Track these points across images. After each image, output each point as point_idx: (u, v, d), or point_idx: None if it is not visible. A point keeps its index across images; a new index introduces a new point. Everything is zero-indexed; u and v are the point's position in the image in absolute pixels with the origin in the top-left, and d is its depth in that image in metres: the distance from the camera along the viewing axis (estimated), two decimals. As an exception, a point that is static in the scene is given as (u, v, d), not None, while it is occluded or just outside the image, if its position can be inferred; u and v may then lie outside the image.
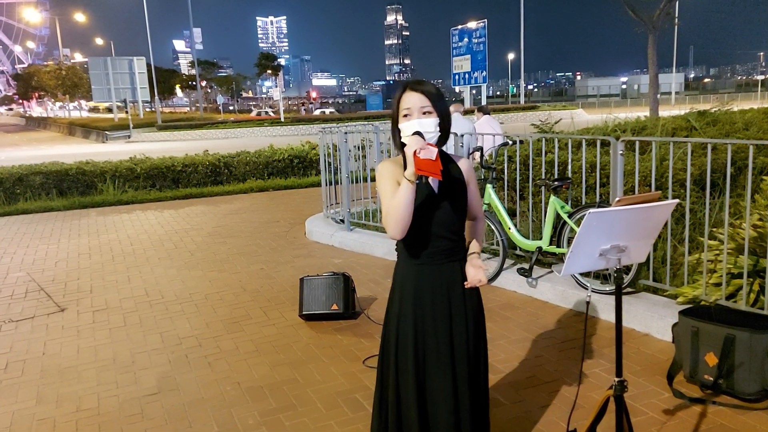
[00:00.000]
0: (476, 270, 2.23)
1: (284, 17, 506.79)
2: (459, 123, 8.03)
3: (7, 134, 46.07)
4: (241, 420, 3.33)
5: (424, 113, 2.14)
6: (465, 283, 2.22)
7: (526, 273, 5.07)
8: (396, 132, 2.22)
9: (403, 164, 2.16)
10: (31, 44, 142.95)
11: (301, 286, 4.80)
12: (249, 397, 3.60)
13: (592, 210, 1.86)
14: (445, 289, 2.23)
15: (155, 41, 46.67)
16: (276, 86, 47.78)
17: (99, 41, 73.19)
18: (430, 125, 2.12)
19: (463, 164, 2.29)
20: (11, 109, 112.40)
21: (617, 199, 1.98)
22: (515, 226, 5.34)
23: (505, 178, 5.79)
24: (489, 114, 9.62)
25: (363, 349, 4.21)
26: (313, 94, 74.92)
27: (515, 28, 48.40)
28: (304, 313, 4.75)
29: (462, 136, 6.15)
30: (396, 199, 2.08)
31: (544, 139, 5.50)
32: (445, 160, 2.24)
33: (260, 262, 6.61)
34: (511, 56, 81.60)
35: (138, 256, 7.09)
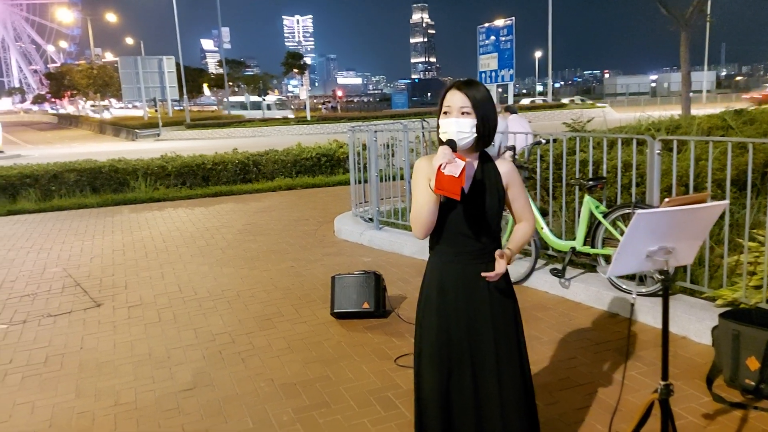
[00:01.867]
0: (496, 263, 2.18)
1: (310, 16, 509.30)
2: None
3: (41, 132, 47.10)
4: (276, 416, 3.36)
5: (463, 113, 2.14)
6: (482, 273, 2.19)
7: (559, 273, 5.02)
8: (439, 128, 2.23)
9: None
10: (63, 44, 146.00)
11: (333, 285, 4.82)
12: (283, 393, 3.62)
13: (640, 211, 1.83)
14: (470, 290, 2.24)
15: (183, 41, 47.23)
16: (302, 85, 48.03)
17: (129, 41, 74.35)
18: (465, 126, 2.13)
19: (504, 167, 2.27)
20: (30, 110, 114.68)
21: (666, 199, 1.95)
22: (547, 225, 5.29)
23: (538, 178, 5.74)
24: (516, 113, 9.54)
25: (394, 348, 4.21)
26: (339, 93, 75.11)
27: (542, 25, 47.95)
28: (335, 311, 4.77)
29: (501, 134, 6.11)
30: (419, 204, 2.16)
31: (578, 138, 5.43)
32: (484, 162, 2.25)
33: (290, 260, 6.65)
34: (538, 54, 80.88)
35: (171, 252, 7.19)
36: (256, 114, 43.89)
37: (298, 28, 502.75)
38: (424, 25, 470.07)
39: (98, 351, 4.38)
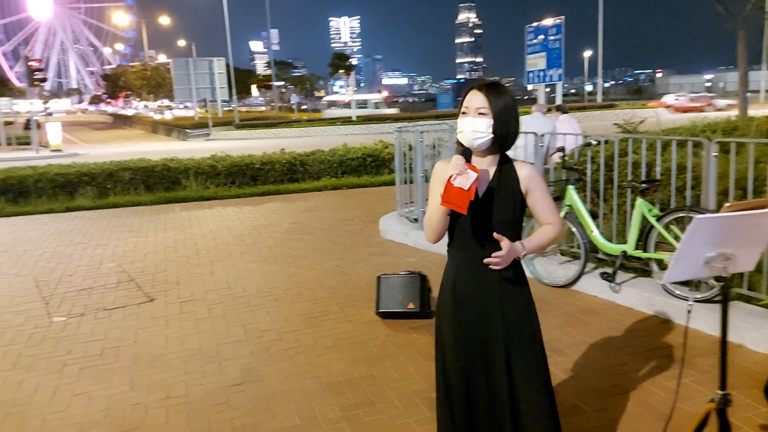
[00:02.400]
0: (503, 249, 2.11)
1: (358, 17, 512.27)
2: (539, 122, 7.87)
3: (97, 131, 48.83)
4: (322, 414, 3.40)
5: (480, 114, 2.15)
6: (485, 260, 2.13)
7: (609, 278, 4.91)
8: None
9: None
10: (119, 46, 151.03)
11: (378, 285, 4.84)
12: (328, 391, 3.66)
13: (699, 216, 1.78)
14: (482, 295, 2.22)
15: (233, 42, 48.19)
16: (348, 85, 48.41)
17: (181, 43, 76.34)
18: (480, 126, 2.13)
19: (524, 171, 2.22)
20: (87, 110, 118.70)
21: (726, 204, 1.89)
22: (597, 228, 5.18)
23: (588, 180, 5.63)
24: (567, 113, 9.37)
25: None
26: (384, 93, 75.29)
27: (592, 23, 46.95)
28: (380, 311, 4.79)
29: (543, 135, 6.02)
30: (430, 210, 2.21)
31: (630, 140, 5.31)
32: (502, 165, 2.22)
33: (336, 259, 6.71)
34: (587, 53, 79.20)
35: (220, 250, 7.35)
36: (359, 112, 44.63)
37: (345, 29, 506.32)
38: (470, 24, 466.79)
39: (151, 345, 4.52)
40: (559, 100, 26.53)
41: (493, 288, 2.21)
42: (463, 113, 2.18)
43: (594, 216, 5.29)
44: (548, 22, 27.75)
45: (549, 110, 9.40)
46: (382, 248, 7.18)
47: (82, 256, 7.28)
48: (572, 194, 5.21)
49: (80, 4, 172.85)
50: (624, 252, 4.89)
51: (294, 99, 69.90)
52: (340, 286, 5.76)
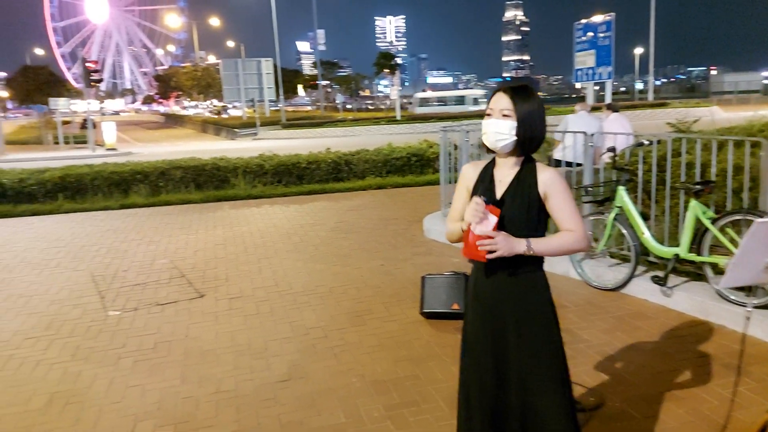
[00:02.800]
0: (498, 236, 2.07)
1: (403, 16, 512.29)
2: (585, 121, 7.73)
3: (149, 130, 50.30)
4: (367, 412, 3.43)
5: (504, 116, 2.14)
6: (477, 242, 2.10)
7: (661, 281, 4.79)
8: None
9: (480, 176, 2.28)
10: (171, 47, 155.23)
11: (423, 285, 4.85)
12: (373, 390, 3.69)
13: (760, 220, 1.72)
14: (495, 295, 2.23)
15: (280, 43, 48.91)
16: (392, 85, 48.50)
17: (230, 44, 77.96)
18: (503, 127, 2.13)
19: (544, 175, 2.19)
20: (140, 109, 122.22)
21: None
22: (649, 230, 5.06)
23: (639, 181, 5.50)
24: (617, 111, 9.17)
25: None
26: (429, 93, 75.05)
27: (643, 20, 45.75)
28: (425, 311, 4.80)
29: (592, 135, 5.91)
30: (450, 221, 2.33)
31: (684, 139, 5.16)
32: (523, 168, 2.21)
33: (380, 259, 6.75)
34: (638, 50, 77.20)
35: (268, 248, 7.48)
36: (454, 110, 45.23)
37: (390, 29, 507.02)
38: (517, 22, 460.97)
39: (201, 340, 4.64)
40: (608, 99, 25.95)
41: (506, 288, 2.22)
42: (488, 114, 2.18)
43: (645, 218, 5.17)
44: (598, 18, 27.18)
45: (598, 108, 9.22)
46: (426, 248, 7.18)
47: (135, 252, 7.52)
48: (623, 195, 5.11)
49: (135, 7, 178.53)
50: (676, 255, 4.77)
51: (339, 98, 70.47)
52: (384, 285, 5.79)
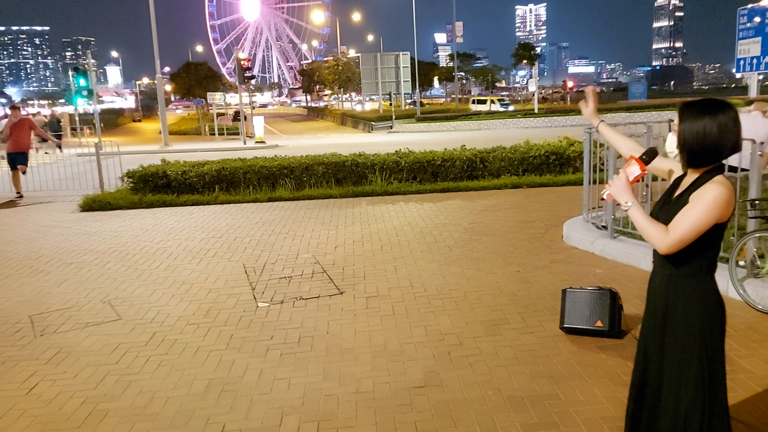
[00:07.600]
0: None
1: (544, 4, 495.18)
2: (756, 125, 7.01)
3: (292, 123, 53.01)
4: (504, 429, 3.40)
5: (675, 131, 2.31)
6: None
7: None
8: None
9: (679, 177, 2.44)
10: (314, 42, 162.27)
11: (564, 298, 4.70)
12: (510, 405, 3.65)
13: None
14: (654, 289, 2.46)
15: (418, 35, 49.24)
16: (531, 76, 47.10)
17: (370, 38, 79.84)
18: (670, 142, 2.35)
19: (704, 187, 2.22)
20: (285, 102, 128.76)
21: None
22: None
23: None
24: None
25: (630, 373, 3.95)
26: (570, 83, 71.91)
27: (826, 1, 40.41)
28: (565, 325, 4.65)
29: (762, 144, 5.37)
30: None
31: None
32: (702, 176, 2.27)
33: (516, 264, 6.62)
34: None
35: (402, 247, 7.62)
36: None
37: (530, 17, 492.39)
38: (671, 7, 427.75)
39: (341, 337, 4.84)
40: (776, 92, 23.27)
41: (661, 284, 2.40)
42: None
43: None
44: (766, 2, 24.49)
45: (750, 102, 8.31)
46: (566, 255, 6.93)
47: (282, 246, 7.99)
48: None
49: (283, 4, 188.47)
50: None
51: (475, 91, 69.73)
52: (520, 293, 5.68)
